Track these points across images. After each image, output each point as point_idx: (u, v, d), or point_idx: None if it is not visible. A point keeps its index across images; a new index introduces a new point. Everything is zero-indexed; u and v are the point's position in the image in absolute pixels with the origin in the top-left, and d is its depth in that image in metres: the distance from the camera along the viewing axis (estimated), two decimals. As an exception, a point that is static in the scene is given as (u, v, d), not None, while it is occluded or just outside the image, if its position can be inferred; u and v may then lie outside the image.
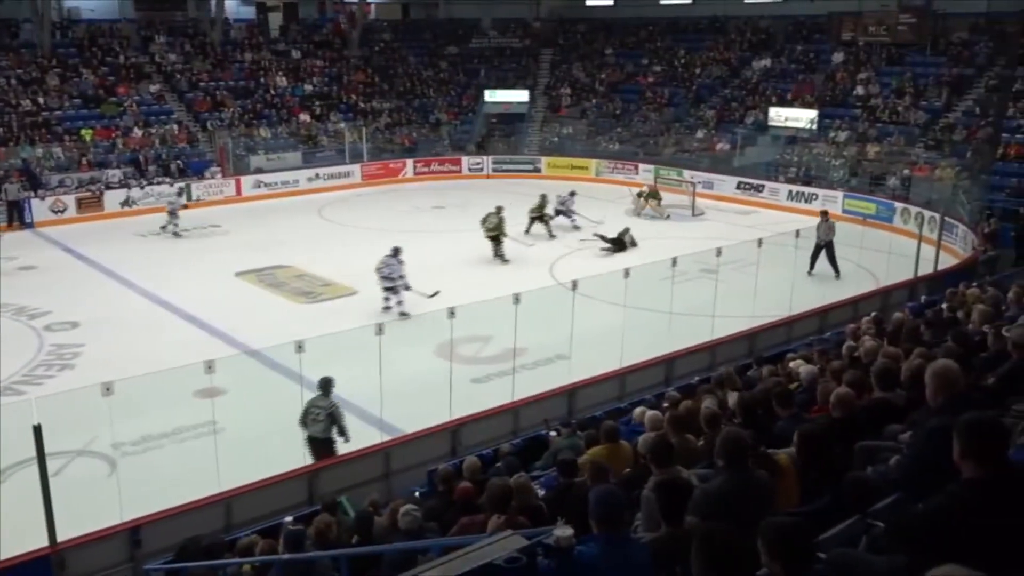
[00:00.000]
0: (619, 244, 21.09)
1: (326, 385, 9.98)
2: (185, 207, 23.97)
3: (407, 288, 15.82)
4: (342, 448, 9.93)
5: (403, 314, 15.72)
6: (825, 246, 18.61)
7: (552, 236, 22.29)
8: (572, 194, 23.90)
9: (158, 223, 23.44)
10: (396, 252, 16.18)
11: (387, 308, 15.91)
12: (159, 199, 25.71)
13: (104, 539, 8.02)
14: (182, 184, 25.94)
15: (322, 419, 9.90)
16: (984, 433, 2.92)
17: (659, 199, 25.41)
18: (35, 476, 7.68)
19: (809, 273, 18.43)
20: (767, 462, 4.59)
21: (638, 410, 8.58)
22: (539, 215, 22.57)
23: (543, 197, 22.96)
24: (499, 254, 19.98)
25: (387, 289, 15.99)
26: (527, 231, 22.22)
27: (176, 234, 22.77)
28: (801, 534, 2.89)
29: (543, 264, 19.31)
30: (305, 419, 10.02)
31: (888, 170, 25.37)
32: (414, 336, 12.74)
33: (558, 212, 23.21)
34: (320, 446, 9.93)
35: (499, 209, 19.98)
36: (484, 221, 20.06)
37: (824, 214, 19.38)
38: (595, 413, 10.40)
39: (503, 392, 11.88)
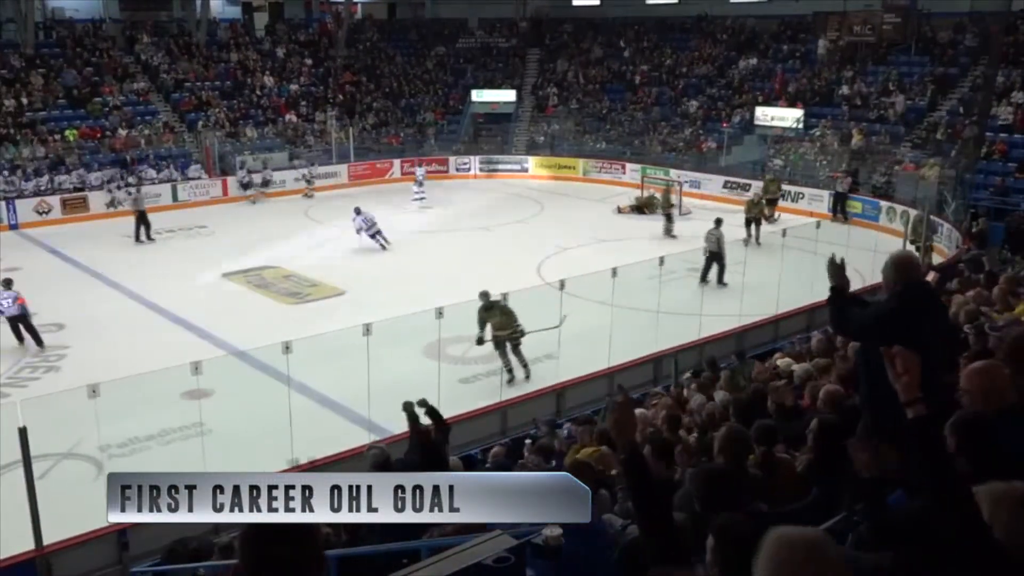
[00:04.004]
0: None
1: (720, 221, 17.50)
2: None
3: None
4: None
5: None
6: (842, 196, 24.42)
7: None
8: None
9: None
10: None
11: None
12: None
13: (91, 542, 7.98)
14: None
15: (714, 241, 16.98)
16: (976, 432, 2.94)
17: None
18: (21, 479, 7.65)
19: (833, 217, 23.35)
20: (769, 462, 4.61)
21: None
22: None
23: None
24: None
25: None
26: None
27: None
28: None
29: (530, 264, 19.31)
30: (708, 238, 17.08)
31: (874, 169, 25.52)
32: (402, 336, 12.72)
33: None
34: (714, 256, 17.04)
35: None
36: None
37: (845, 173, 25.11)
38: (586, 412, 10.42)
39: (491, 392, 11.89)
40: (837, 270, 4.61)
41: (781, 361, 8.99)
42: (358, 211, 21.42)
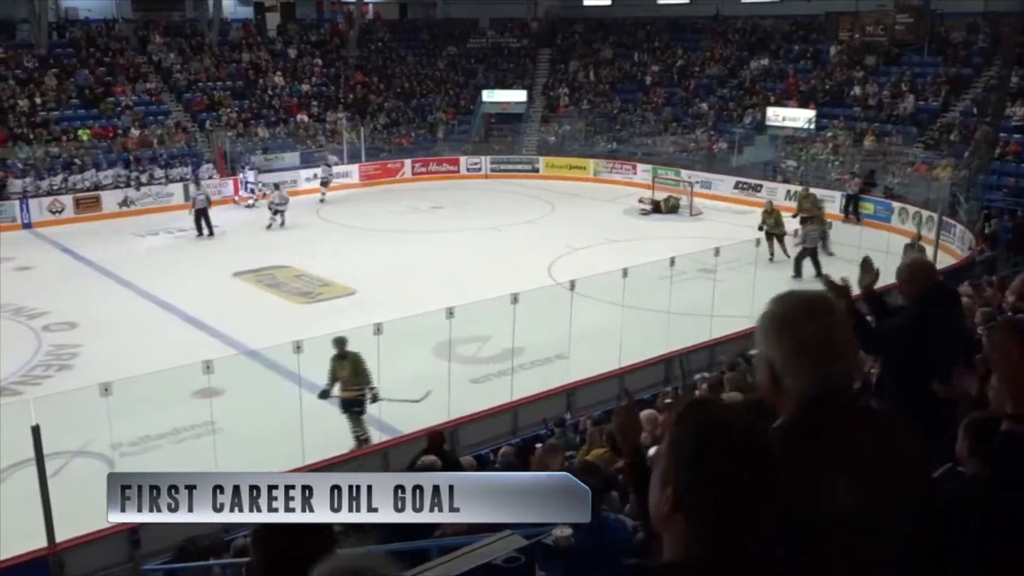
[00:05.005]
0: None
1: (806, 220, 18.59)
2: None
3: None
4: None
5: None
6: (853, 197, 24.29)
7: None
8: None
9: (156, 224, 23.82)
10: None
11: None
12: (157, 199, 25.85)
13: (103, 539, 8.00)
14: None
15: (815, 238, 17.55)
16: (989, 433, 2.92)
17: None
18: (34, 477, 7.67)
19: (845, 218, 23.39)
20: None
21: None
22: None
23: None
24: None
25: None
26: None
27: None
28: None
29: (541, 264, 19.31)
30: (810, 235, 17.78)
31: (886, 169, 25.42)
32: (412, 336, 12.76)
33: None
34: (809, 252, 17.40)
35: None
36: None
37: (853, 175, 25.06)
38: (594, 413, 10.40)
39: (502, 392, 11.89)
40: (840, 290, 4.35)
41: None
42: (277, 186, 24.44)
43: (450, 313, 11.52)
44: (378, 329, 10.58)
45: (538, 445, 9.25)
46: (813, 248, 18.06)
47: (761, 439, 1.52)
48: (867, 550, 1.72)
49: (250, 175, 26.99)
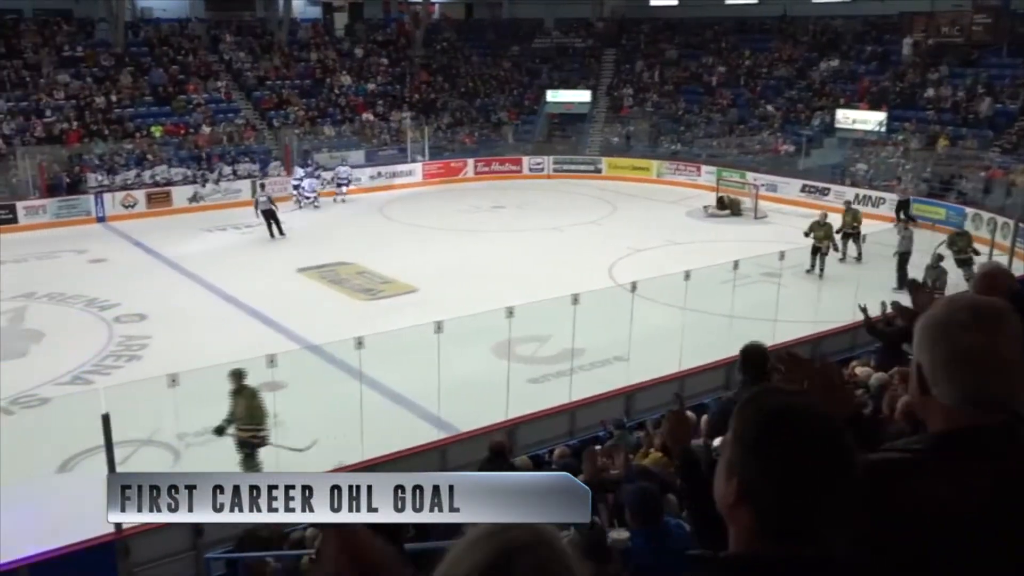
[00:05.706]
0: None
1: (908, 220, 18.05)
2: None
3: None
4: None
5: None
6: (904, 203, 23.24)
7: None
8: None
9: (224, 219, 24.40)
10: None
11: None
12: (225, 195, 26.39)
13: (167, 527, 8.16)
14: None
15: (907, 240, 17.10)
16: None
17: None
18: (102, 464, 7.87)
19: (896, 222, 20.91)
20: None
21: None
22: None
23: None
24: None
25: None
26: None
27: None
28: None
29: (602, 265, 19.20)
30: (908, 236, 17.27)
31: (960, 173, 24.69)
32: (472, 335, 12.80)
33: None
34: (906, 257, 16.95)
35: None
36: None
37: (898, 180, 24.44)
38: (654, 416, 10.30)
39: (560, 393, 11.84)
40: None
41: (860, 370, 8.73)
42: (301, 176, 26.55)
43: (510, 312, 11.51)
44: (438, 327, 10.63)
45: (597, 447, 9.20)
46: (907, 252, 17.20)
47: (829, 431, 1.46)
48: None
49: (300, 173, 26.86)
